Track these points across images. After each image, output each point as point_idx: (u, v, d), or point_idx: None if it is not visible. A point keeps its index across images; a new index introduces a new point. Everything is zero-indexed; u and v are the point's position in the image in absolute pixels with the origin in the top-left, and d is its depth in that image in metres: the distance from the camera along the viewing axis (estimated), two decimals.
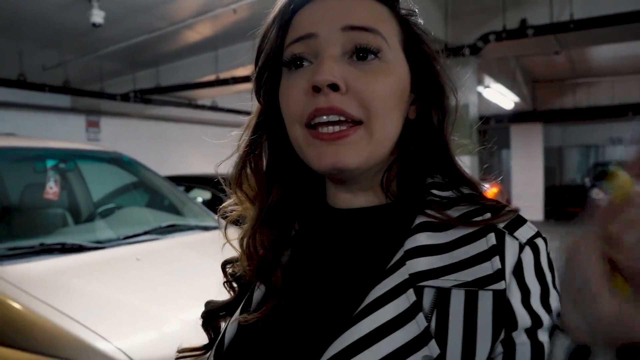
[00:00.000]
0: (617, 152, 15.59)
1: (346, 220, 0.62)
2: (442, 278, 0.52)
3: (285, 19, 0.59)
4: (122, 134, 9.10)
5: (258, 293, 0.63)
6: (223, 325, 0.68)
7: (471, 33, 5.81)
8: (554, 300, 0.52)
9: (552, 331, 0.51)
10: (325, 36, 0.55)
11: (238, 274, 0.69)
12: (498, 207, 0.57)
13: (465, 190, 0.61)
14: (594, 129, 14.63)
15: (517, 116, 11.73)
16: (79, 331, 1.71)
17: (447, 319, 0.51)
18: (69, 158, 3.18)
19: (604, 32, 5.36)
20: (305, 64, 0.57)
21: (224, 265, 0.72)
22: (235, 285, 0.71)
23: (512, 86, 9.41)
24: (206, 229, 2.95)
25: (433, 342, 0.49)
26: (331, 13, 0.56)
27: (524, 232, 0.55)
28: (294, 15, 0.59)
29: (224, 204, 0.72)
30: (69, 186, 3.12)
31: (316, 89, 0.54)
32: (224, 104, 9.68)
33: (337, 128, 0.55)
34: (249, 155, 0.65)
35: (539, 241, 0.55)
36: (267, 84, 0.62)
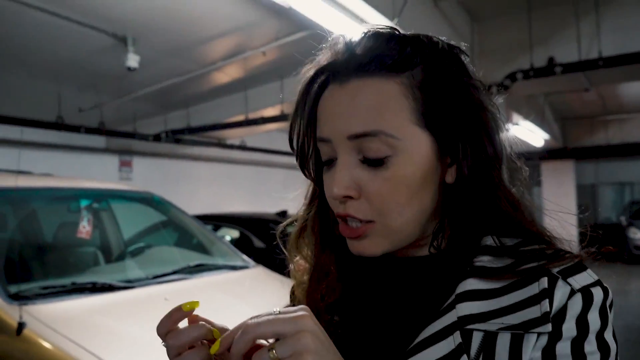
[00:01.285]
0: None
1: (402, 267, 0.65)
2: (489, 322, 0.53)
3: (309, 109, 0.63)
4: (153, 173, 9.28)
5: None
6: None
7: (499, 71, 5.80)
8: (589, 347, 0.51)
9: None
10: (337, 142, 0.59)
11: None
12: (555, 254, 0.57)
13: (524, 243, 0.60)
14: (627, 165, 14.31)
15: (548, 153, 11.56)
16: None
17: None
18: (101, 198, 3.25)
19: (634, 69, 5.30)
20: (334, 161, 0.61)
21: (292, 291, 0.75)
22: None
23: (541, 123, 9.32)
24: (234, 268, 2.95)
25: None
26: (337, 120, 0.58)
27: (580, 279, 0.55)
28: (319, 99, 0.62)
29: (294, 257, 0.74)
30: (101, 225, 3.18)
31: None
32: (253, 143, 9.81)
33: (354, 225, 0.60)
34: (306, 221, 0.70)
35: (596, 290, 0.55)
36: (309, 162, 0.67)
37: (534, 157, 11.83)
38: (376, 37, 0.60)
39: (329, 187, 0.59)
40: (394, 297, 0.63)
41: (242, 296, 2.52)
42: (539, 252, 0.57)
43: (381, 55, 0.58)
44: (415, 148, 0.57)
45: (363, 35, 0.61)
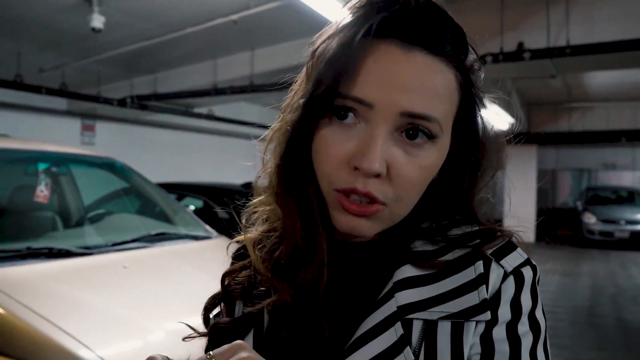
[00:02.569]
0: (610, 177, 15.70)
1: (345, 252, 0.61)
2: (429, 310, 0.53)
3: (348, 59, 0.52)
4: (117, 139, 9.07)
5: (266, 319, 0.62)
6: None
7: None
8: (522, 328, 0.52)
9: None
10: (383, 113, 0.52)
11: (239, 284, 0.67)
12: (489, 233, 0.57)
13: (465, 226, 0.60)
14: (587, 153, 14.74)
15: (512, 137, 11.74)
16: (61, 338, 1.69)
17: (435, 352, 0.51)
18: (61, 162, 3.16)
19: (600, 59, 5.42)
20: (350, 119, 0.53)
21: (224, 277, 0.70)
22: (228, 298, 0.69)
23: (507, 107, 9.47)
24: (196, 238, 2.93)
25: None
26: (397, 86, 0.51)
27: (512, 260, 0.55)
28: (360, 53, 0.52)
29: (251, 203, 0.68)
30: (60, 190, 3.10)
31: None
32: (221, 113, 9.68)
33: (363, 201, 0.54)
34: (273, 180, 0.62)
35: (526, 270, 0.55)
36: (308, 112, 0.56)
37: (499, 140, 12.05)
38: (445, 16, 0.55)
39: (358, 159, 0.52)
40: (335, 286, 0.60)
41: (203, 266, 2.51)
42: (472, 233, 0.57)
43: (453, 39, 0.54)
44: (445, 144, 0.56)
45: (429, 3, 0.54)
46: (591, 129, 11.83)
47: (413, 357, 0.51)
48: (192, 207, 5.26)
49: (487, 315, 0.52)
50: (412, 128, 0.53)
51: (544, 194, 14.20)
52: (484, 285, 0.53)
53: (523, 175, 12.07)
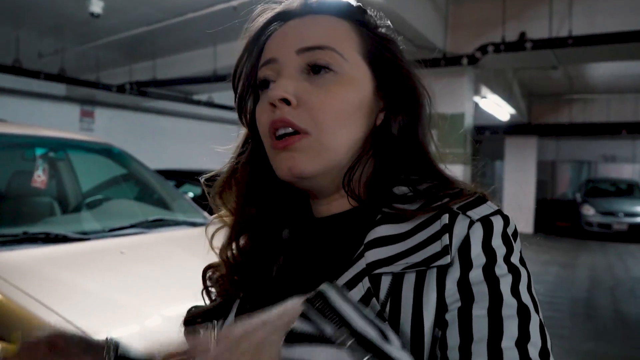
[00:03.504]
0: (609, 169, 15.70)
1: (322, 226, 0.65)
2: (394, 264, 0.54)
3: (257, 48, 0.65)
4: (116, 126, 9.05)
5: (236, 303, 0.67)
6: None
7: (470, 43, 5.82)
8: (499, 270, 0.52)
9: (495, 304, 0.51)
10: (284, 59, 0.61)
11: (216, 278, 0.71)
12: (459, 192, 0.58)
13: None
14: (587, 145, 14.73)
15: (512, 128, 11.77)
16: (58, 323, 1.69)
17: (399, 302, 0.53)
18: (59, 147, 3.15)
19: (602, 50, 5.39)
20: (271, 84, 0.62)
21: (205, 270, 0.73)
22: (213, 290, 0.72)
23: (508, 98, 9.44)
24: (194, 224, 2.93)
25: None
26: (289, 38, 0.62)
27: (479, 211, 0.56)
28: (265, 43, 0.65)
29: (214, 216, 0.73)
30: (58, 175, 3.09)
31: (272, 104, 0.59)
32: (221, 100, 9.64)
33: (287, 134, 0.59)
34: (235, 171, 0.69)
35: (496, 218, 0.55)
36: (247, 107, 0.68)
37: (499, 131, 12.06)
38: None
39: (268, 97, 0.60)
40: (310, 256, 0.64)
41: (200, 253, 2.50)
42: (443, 194, 0.58)
43: (336, 3, 0.65)
44: (357, 74, 0.61)
45: None
46: (592, 120, 11.80)
47: (379, 307, 0.53)
48: (190, 194, 5.25)
49: (447, 259, 0.52)
50: (314, 66, 0.60)
51: (543, 185, 14.20)
52: (447, 234, 0.54)
53: (523, 166, 12.08)
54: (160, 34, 6.27)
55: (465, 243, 0.53)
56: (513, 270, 0.53)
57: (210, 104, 9.48)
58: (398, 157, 0.62)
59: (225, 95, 9.58)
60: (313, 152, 0.59)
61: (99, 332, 1.70)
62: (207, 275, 0.72)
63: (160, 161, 7.18)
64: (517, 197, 11.50)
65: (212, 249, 0.71)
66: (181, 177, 5.59)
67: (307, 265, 0.64)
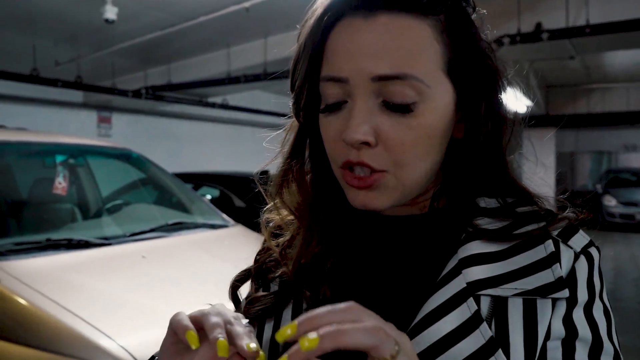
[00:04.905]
0: (631, 159, 15.43)
1: (391, 227, 0.60)
2: (501, 287, 0.51)
3: (316, 46, 0.55)
4: (133, 131, 9.13)
5: (304, 306, 0.61)
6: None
7: (485, 36, 5.74)
8: (597, 311, 0.52)
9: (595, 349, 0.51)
10: (356, 84, 0.52)
11: (273, 261, 0.66)
12: (551, 215, 0.57)
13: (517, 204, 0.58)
14: (607, 135, 14.49)
15: (529, 120, 11.59)
16: (82, 328, 1.71)
17: (507, 328, 0.50)
18: (78, 154, 3.19)
19: (620, 38, 5.29)
20: (343, 107, 0.54)
21: (258, 254, 0.69)
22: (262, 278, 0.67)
23: (525, 89, 9.32)
24: (213, 227, 2.94)
25: (500, 352, 0.49)
26: (361, 54, 0.51)
27: (578, 241, 0.55)
28: (328, 35, 0.55)
29: (266, 208, 0.68)
30: (78, 182, 3.13)
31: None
32: (235, 102, 9.68)
33: (362, 174, 0.54)
34: (291, 167, 0.63)
35: (593, 250, 0.55)
36: (305, 105, 0.60)
37: (518, 123, 11.89)
38: None
39: (344, 132, 0.52)
40: (388, 263, 0.59)
41: (221, 254, 2.52)
42: (535, 213, 0.56)
43: None
44: (441, 96, 0.53)
45: None
46: (611, 110, 11.60)
47: (491, 333, 0.50)
48: (208, 197, 5.28)
49: (566, 293, 0.51)
50: (391, 106, 0.52)
51: (562, 177, 14.00)
52: (558, 264, 0.52)
53: (541, 158, 11.91)
54: (173, 38, 6.31)
55: (572, 277, 0.52)
56: (606, 312, 0.53)
57: (224, 106, 9.51)
58: (479, 168, 0.57)
59: (240, 97, 9.61)
60: (391, 190, 0.54)
61: (123, 335, 1.71)
62: (259, 258, 0.68)
63: (177, 164, 7.23)
64: (536, 190, 11.30)
65: (271, 247, 0.66)
66: (198, 180, 5.62)
67: (384, 272, 0.59)
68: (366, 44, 0.51)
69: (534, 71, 9.89)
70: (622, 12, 5.02)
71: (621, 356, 0.52)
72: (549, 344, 0.50)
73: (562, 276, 0.51)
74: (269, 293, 0.64)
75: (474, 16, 0.58)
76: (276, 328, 0.61)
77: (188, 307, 1.94)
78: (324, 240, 0.62)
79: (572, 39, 5.29)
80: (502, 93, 0.59)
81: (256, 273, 0.67)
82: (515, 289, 0.51)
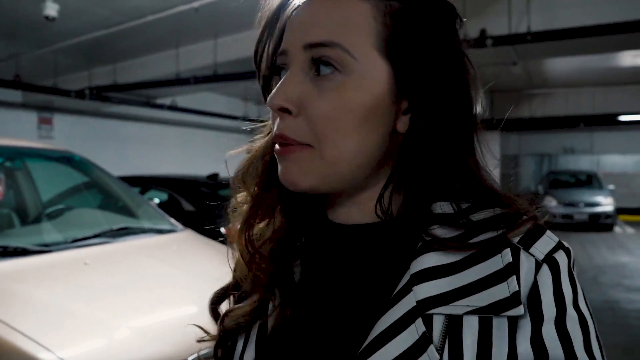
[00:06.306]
0: (569, 161, 16.16)
1: (346, 237, 0.58)
2: (452, 304, 0.48)
3: (275, 30, 0.58)
4: (77, 132, 8.81)
5: (272, 317, 0.59)
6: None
7: None
8: (570, 323, 0.48)
9: None
10: (292, 55, 0.54)
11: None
12: (514, 217, 0.52)
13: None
14: (548, 138, 15.10)
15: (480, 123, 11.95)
16: (19, 340, 1.62)
17: (461, 350, 0.47)
18: (16, 156, 3.04)
19: (560, 45, 5.52)
20: (283, 73, 0.55)
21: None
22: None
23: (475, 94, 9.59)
24: (161, 231, 2.86)
25: None
26: (298, 29, 0.54)
27: (542, 246, 0.50)
28: (278, 14, 0.58)
29: (232, 204, 0.65)
30: (16, 186, 2.98)
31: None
32: (184, 104, 9.50)
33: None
34: (257, 157, 0.61)
35: (559, 255, 0.50)
36: (271, 89, 0.59)
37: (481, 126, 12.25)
38: None
39: (268, 101, 0.53)
40: (345, 276, 0.56)
41: (168, 260, 2.45)
42: (494, 218, 0.52)
43: None
44: (369, 73, 0.51)
45: None
46: (551, 114, 12.11)
47: (438, 356, 0.46)
48: (156, 200, 5.14)
49: (520, 310, 0.46)
50: (318, 65, 0.52)
51: (506, 179, 14.45)
52: (514, 276, 0.48)
53: (487, 161, 12.29)
54: (119, 37, 6.13)
55: (534, 291, 0.48)
56: (582, 321, 0.48)
57: (173, 108, 9.32)
58: (433, 168, 0.54)
59: (189, 99, 9.44)
60: (309, 165, 0.52)
61: (64, 347, 1.63)
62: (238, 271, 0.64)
63: (123, 167, 7.02)
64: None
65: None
66: (146, 183, 5.47)
67: (336, 281, 0.57)
68: (303, 17, 0.54)
69: (479, 76, 10.19)
70: (564, 19, 5.24)
71: None
72: None
73: (517, 291, 0.47)
74: (241, 306, 0.62)
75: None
76: (245, 345, 0.60)
77: (133, 315, 1.87)
78: (279, 240, 0.61)
79: (515, 45, 5.48)
80: (464, 91, 0.57)
81: (234, 286, 0.65)
82: (467, 306, 0.47)
